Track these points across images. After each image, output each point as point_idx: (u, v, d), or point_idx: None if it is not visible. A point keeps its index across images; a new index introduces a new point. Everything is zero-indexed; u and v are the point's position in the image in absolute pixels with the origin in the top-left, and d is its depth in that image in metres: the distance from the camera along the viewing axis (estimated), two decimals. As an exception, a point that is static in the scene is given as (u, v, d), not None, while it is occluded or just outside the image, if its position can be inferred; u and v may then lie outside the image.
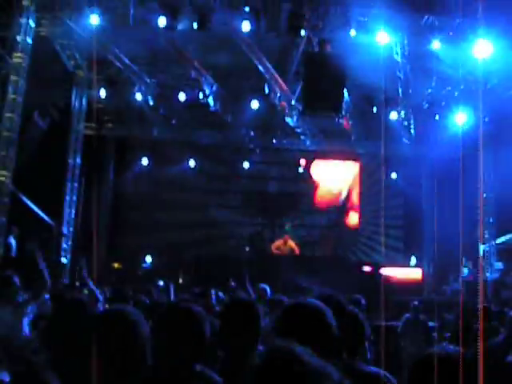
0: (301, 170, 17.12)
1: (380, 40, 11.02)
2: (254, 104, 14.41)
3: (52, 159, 13.31)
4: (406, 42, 11.57)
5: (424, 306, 9.57)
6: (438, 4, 10.24)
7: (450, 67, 12.54)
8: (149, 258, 15.11)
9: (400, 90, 13.67)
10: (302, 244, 15.44)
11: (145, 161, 16.32)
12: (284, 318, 2.12)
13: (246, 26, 10.82)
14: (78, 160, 14.43)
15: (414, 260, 15.88)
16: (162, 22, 10.42)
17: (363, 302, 4.94)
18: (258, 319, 2.57)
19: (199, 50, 12.46)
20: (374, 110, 14.51)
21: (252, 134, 16.23)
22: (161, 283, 10.44)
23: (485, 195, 14.09)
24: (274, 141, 16.66)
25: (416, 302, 9.39)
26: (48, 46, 11.78)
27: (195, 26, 10.40)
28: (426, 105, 14.16)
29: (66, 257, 13.59)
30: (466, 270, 13.65)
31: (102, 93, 13.92)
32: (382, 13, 10.63)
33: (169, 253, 14.61)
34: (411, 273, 15.29)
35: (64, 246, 13.75)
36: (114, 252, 15.24)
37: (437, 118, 14.43)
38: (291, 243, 14.96)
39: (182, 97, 14.01)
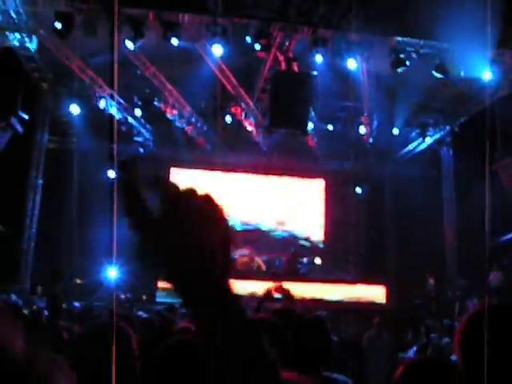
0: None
1: (349, 65, 11.22)
2: (220, 120, 14.45)
3: (14, 173, 13.05)
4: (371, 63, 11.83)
5: (387, 322, 9.66)
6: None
7: (415, 87, 12.86)
8: (113, 272, 14.83)
9: (365, 109, 13.93)
10: (267, 260, 15.48)
11: (110, 174, 16.07)
12: None
13: (213, 44, 10.93)
14: (41, 173, 14.18)
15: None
16: (129, 43, 10.44)
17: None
18: None
19: (165, 65, 12.47)
20: (339, 128, 14.73)
21: (216, 149, 16.23)
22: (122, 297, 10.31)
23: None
24: (240, 157, 16.69)
25: (378, 319, 9.47)
26: (12, 57, 11.61)
27: (161, 39, 10.41)
28: (392, 125, 14.42)
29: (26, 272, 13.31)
30: (428, 286, 13.89)
31: (67, 106, 13.77)
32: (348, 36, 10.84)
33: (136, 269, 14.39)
34: (374, 290, 15.39)
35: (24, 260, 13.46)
36: (77, 267, 14.94)
37: (395, 132, 14.58)
38: (258, 260, 15.00)
39: (144, 111, 13.98)
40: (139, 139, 15.43)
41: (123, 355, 2.14)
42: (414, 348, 7.67)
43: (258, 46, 10.77)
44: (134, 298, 12.97)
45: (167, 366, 2.10)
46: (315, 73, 11.90)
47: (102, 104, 13.45)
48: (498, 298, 11.10)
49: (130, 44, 10.46)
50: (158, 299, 13.46)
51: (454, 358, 1.58)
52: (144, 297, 13.50)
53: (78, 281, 14.09)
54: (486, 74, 11.17)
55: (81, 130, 15.42)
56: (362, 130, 14.40)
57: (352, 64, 11.15)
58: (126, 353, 2.09)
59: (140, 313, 8.47)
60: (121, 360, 0.92)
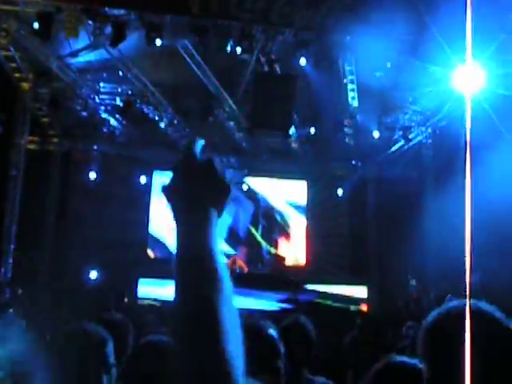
0: (246, 187, 17.11)
1: (332, 67, 11.25)
2: (203, 122, 14.39)
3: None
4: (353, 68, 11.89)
5: (369, 323, 9.70)
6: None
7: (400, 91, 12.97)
8: (94, 274, 14.75)
9: (347, 111, 13.99)
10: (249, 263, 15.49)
11: (92, 175, 15.90)
12: None
13: (196, 45, 10.92)
14: (21, 174, 14.02)
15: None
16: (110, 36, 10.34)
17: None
18: None
19: (147, 66, 12.42)
20: (321, 130, 14.76)
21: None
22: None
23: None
24: (222, 159, 16.68)
25: (361, 320, 9.51)
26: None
27: (143, 40, 10.34)
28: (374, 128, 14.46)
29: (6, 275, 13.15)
30: (411, 288, 13.99)
31: (48, 107, 13.64)
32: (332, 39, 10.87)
33: (114, 270, 14.29)
34: (356, 291, 15.51)
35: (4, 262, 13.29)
36: (56, 269, 14.80)
37: (376, 136, 14.61)
38: (240, 262, 15.00)
39: (127, 113, 13.88)
40: (121, 141, 15.34)
41: None
42: (395, 350, 7.69)
43: (239, 49, 10.76)
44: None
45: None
46: (297, 75, 11.92)
47: (83, 105, 13.35)
48: (478, 300, 11.21)
49: (113, 45, 10.38)
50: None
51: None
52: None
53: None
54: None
55: (62, 130, 15.33)
56: (344, 131, 14.45)
57: (335, 66, 11.19)
58: None
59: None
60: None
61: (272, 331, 2.24)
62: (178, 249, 1.04)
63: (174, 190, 1.10)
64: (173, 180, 1.12)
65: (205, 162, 1.13)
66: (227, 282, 1.00)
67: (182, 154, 1.16)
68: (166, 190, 1.11)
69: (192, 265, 1.01)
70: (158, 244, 16.48)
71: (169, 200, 1.10)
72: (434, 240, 14.46)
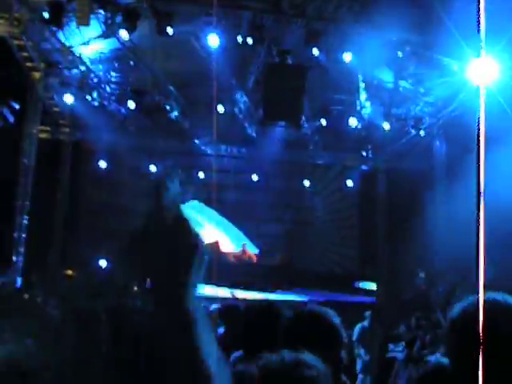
0: (256, 178, 17.11)
1: (345, 59, 11.15)
2: (214, 112, 14.37)
3: (4, 163, 12.96)
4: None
5: (377, 314, 9.71)
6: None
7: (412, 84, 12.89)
8: (104, 263, 14.81)
9: (358, 102, 13.92)
10: (259, 253, 15.50)
11: (103, 164, 15.94)
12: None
13: (206, 35, 10.89)
14: (32, 164, 14.09)
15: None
16: (123, 34, 10.36)
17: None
18: None
19: (158, 56, 12.41)
20: (331, 121, 14.69)
21: (211, 142, 16.20)
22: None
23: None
24: (233, 149, 16.68)
25: (370, 311, 9.53)
26: (4, 46, 11.51)
27: (155, 30, 10.33)
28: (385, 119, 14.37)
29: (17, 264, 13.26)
30: (419, 279, 13.96)
31: (59, 96, 13.67)
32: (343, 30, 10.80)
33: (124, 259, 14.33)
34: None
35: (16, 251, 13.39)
36: (67, 258, 14.90)
37: (386, 127, 14.50)
38: (249, 252, 15.02)
39: (138, 102, 13.88)
40: (132, 130, 15.36)
41: None
42: (404, 341, 7.70)
43: (250, 40, 10.71)
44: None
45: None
46: (308, 66, 11.85)
47: (94, 95, 13.37)
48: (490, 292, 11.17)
49: (124, 34, 10.37)
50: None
51: (439, 354, 1.57)
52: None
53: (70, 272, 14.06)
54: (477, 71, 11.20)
55: (73, 120, 15.37)
56: (354, 122, 14.37)
57: (348, 57, 11.10)
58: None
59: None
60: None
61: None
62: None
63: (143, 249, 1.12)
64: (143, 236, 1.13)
65: (175, 224, 1.11)
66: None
67: (151, 213, 1.19)
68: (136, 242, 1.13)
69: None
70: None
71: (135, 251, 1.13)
72: (443, 233, 14.41)
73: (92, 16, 10.00)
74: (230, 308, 5.21)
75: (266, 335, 2.41)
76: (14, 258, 13.34)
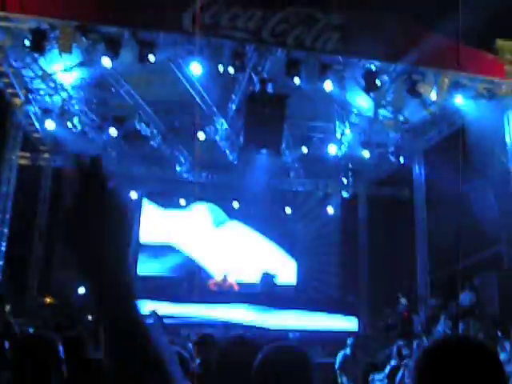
0: (236, 205, 17.13)
1: (325, 87, 11.26)
2: (195, 140, 14.39)
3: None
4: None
5: (359, 341, 9.68)
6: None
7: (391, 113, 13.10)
8: (82, 290, 14.59)
9: (338, 130, 14.07)
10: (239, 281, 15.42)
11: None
12: None
13: (188, 63, 10.97)
14: (12, 190, 13.93)
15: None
16: (105, 61, 10.36)
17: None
18: None
19: (139, 83, 12.47)
20: (311, 148, 14.80)
21: (192, 169, 16.19)
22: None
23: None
24: (214, 176, 16.68)
25: (352, 339, 9.48)
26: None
27: (136, 59, 10.36)
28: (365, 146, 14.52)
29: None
30: (401, 306, 13.97)
31: (39, 122, 13.63)
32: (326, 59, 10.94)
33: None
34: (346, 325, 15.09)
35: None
36: (45, 286, 14.67)
37: (368, 156, 14.63)
38: (231, 280, 14.94)
39: (119, 129, 13.86)
40: (113, 156, 15.30)
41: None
42: (386, 370, 7.67)
43: (231, 68, 10.80)
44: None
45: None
46: (287, 95, 11.95)
47: (75, 121, 13.34)
48: (469, 319, 11.23)
49: (106, 62, 10.39)
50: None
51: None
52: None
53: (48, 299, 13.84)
54: (458, 99, 11.43)
55: (54, 146, 15.28)
56: (335, 150, 14.51)
57: (328, 86, 11.22)
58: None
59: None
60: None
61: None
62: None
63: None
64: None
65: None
66: None
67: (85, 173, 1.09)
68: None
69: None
70: (148, 261, 16.40)
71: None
72: (423, 258, 14.51)
73: (74, 43, 10.02)
74: (204, 338, 5.16)
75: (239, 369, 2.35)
76: None
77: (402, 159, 14.46)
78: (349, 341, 9.38)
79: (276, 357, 2.00)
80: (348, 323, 14.36)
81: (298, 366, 2.00)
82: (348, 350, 9.24)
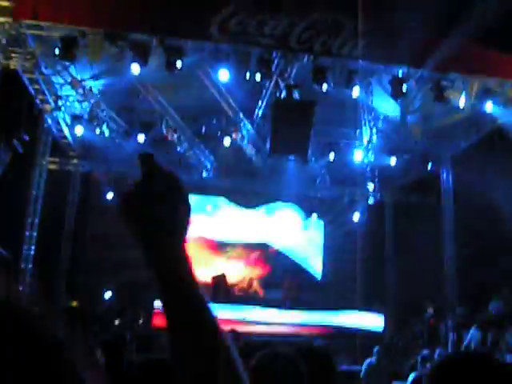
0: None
1: (353, 93, 11.21)
2: (221, 146, 14.46)
3: (13, 193, 13.07)
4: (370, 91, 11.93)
5: (386, 350, 9.58)
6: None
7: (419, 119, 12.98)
8: (108, 294, 14.75)
9: (365, 136, 13.99)
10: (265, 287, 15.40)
11: (110, 196, 15.98)
12: None
13: (215, 69, 11.05)
14: (41, 194, 14.20)
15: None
16: (134, 68, 10.46)
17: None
18: None
19: (166, 89, 12.58)
20: (337, 155, 14.75)
21: (217, 175, 16.25)
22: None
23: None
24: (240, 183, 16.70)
25: (378, 347, 9.40)
26: (16, 79, 11.72)
27: (163, 65, 10.46)
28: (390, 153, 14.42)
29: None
30: (427, 315, 13.80)
31: (69, 128, 13.88)
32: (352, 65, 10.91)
33: (130, 291, 14.28)
34: (372, 319, 15.28)
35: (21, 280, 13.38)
36: (72, 289, 14.85)
37: (394, 163, 14.54)
38: (256, 286, 14.92)
39: (147, 135, 14.01)
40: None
41: None
42: (409, 379, 7.57)
43: (258, 75, 10.83)
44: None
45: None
46: (314, 101, 11.91)
47: (104, 127, 13.52)
48: (498, 328, 11.03)
49: (135, 69, 10.49)
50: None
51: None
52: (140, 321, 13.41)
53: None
54: (488, 104, 11.25)
55: (83, 151, 15.52)
56: (360, 156, 14.43)
57: (355, 92, 11.17)
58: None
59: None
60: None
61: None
62: (162, 273, 1.04)
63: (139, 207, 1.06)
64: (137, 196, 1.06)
65: (169, 181, 1.10)
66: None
67: (145, 170, 1.11)
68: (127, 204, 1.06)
69: (182, 290, 1.01)
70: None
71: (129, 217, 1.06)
72: (452, 266, 14.31)
73: (102, 51, 10.17)
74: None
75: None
76: (20, 288, 13.30)
77: (429, 165, 14.31)
78: (375, 349, 9.30)
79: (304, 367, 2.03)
80: (375, 320, 14.46)
81: (322, 372, 2.01)
82: (374, 359, 9.16)
